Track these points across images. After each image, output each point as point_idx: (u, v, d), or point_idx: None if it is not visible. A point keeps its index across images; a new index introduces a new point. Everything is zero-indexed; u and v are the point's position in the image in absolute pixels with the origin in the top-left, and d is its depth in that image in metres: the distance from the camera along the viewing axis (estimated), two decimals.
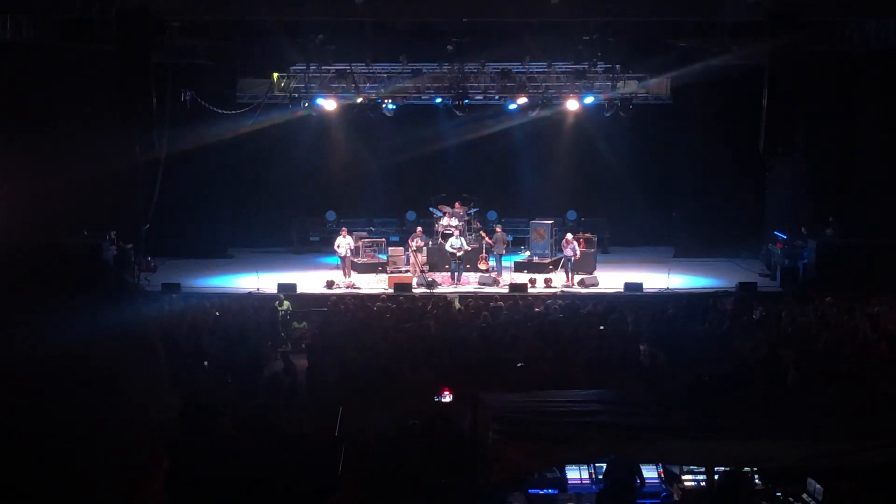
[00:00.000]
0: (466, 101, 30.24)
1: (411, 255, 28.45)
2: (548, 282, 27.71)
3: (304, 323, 22.72)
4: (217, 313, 21.98)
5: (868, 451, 9.64)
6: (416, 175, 33.13)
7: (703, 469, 10.69)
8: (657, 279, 27.57)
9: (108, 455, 1.48)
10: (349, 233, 28.49)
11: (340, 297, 24.90)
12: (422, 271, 28.29)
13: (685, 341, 18.56)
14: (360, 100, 30.51)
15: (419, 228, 29.35)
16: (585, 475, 11.05)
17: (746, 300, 23.62)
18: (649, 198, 33.64)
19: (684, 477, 10.90)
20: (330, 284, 27.23)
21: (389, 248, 29.94)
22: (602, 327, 19.56)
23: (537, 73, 30.50)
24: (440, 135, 32.19)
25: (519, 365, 16.03)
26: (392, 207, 34.19)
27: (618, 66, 30.18)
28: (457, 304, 23.37)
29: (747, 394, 13.17)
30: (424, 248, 28.73)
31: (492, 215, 33.00)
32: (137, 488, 1.53)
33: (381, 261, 29.72)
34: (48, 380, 1.40)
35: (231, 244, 32.95)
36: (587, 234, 29.51)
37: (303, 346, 20.92)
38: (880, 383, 14.81)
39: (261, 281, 26.66)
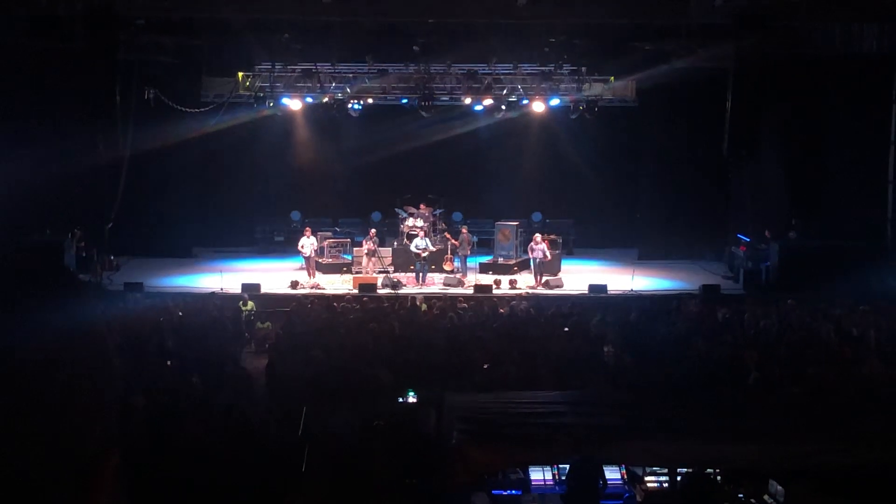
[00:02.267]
0: (432, 101, 30.23)
1: (364, 257, 28.48)
2: (513, 283, 27.75)
3: (268, 323, 22.64)
4: (180, 313, 21.88)
5: (829, 452, 9.71)
6: (382, 175, 33.07)
7: (665, 470, 10.72)
8: (622, 281, 27.66)
9: (56, 450, 1.47)
10: (313, 233, 28.44)
11: (305, 297, 24.84)
12: (386, 272, 28.32)
13: (649, 343, 18.61)
14: (325, 99, 30.47)
15: (373, 231, 29.36)
16: (549, 476, 11.06)
17: (710, 302, 23.74)
18: (614, 200, 33.76)
19: (647, 478, 10.93)
20: (294, 285, 27.17)
21: (354, 249, 29.88)
22: (567, 329, 19.60)
23: (503, 74, 30.55)
24: (406, 135, 32.08)
25: (485, 366, 16.05)
26: (357, 208, 34.11)
27: (583, 68, 30.28)
28: (422, 306, 23.36)
29: (710, 395, 13.23)
30: (376, 252, 28.76)
31: (457, 216, 33.00)
32: (87, 483, 1.51)
33: (345, 261, 29.66)
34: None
35: (195, 244, 32.78)
36: (552, 236, 29.54)
37: (267, 346, 20.88)
38: (842, 385, 14.90)
39: (224, 281, 26.54)
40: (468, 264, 29.11)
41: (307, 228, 28.74)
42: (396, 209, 30.62)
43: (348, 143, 33.21)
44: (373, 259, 28.56)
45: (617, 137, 33.30)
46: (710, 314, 21.88)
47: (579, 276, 28.64)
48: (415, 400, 13.65)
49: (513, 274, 28.74)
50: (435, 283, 28.04)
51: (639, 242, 33.41)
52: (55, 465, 1.48)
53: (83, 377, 1.52)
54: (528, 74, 30.48)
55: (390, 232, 31.69)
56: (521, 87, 30.75)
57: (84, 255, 27.91)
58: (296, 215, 33.63)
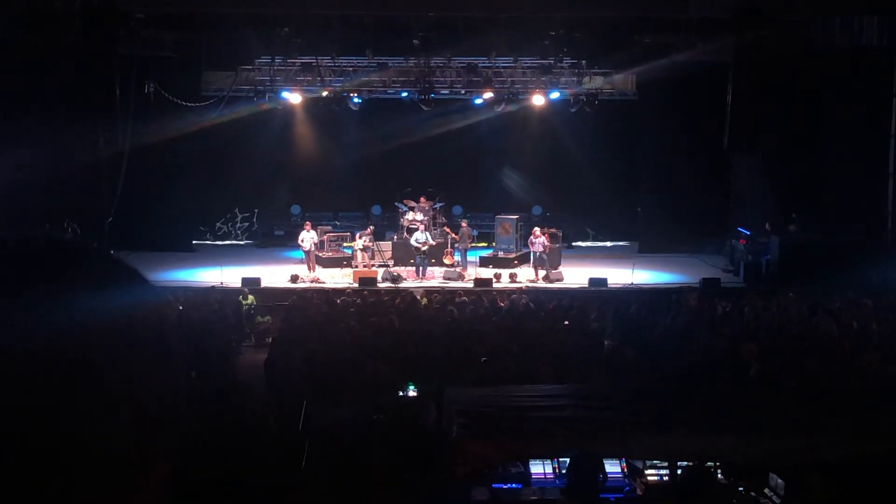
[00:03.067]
0: (432, 95, 30.23)
1: (359, 252, 28.45)
2: (513, 277, 27.76)
3: (268, 317, 22.64)
4: (181, 307, 21.87)
5: (830, 446, 9.70)
6: (382, 169, 33.12)
7: (665, 464, 10.71)
8: (622, 274, 27.64)
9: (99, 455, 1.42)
10: (313, 227, 28.45)
11: (305, 291, 24.85)
12: (386, 266, 28.35)
13: (649, 336, 18.62)
14: (325, 93, 30.48)
15: (371, 227, 29.35)
16: (549, 470, 11.03)
17: (710, 295, 23.73)
18: (614, 193, 33.78)
19: (647, 472, 10.91)
20: (294, 279, 27.17)
21: (353, 243, 29.91)
22: (567, 322, 19.60)
23: (503, 67, 30.56)
24: (406, 129, 32.13)
25: (483, 360, 16.03)
26: (357, 202, 34.18)
27: (584, 61, 30.27)
28: (423, 300, 23.35)
29: (710, 388, 13.23)
30: (371, 247, 28.83)
31: (457, 210, 33.02)
32: (133, 490, 1.46)
33: (345, 255, 29.66)
34: (36, 372, 1.34)
35: (195, 238, 32.80)
36: (552, 229, 29.53)
37: (267, 340, 20.89)
38: (842, 378, 14.90)
39: (224, 275, 26.55)
40: (468, 258, 29.16)
41: (307, 222, 28.74)
42: (396, 203, 30.63)
43: (348, 137, 33.31)
44: (367, 254, 28.57)
45: (617, 131, 33.38)
46: (710, 307, 21.87)
47: (579, 270, 28.64)
48: (415, 394, 13.65)
49: (513, 268, 28.75)
50: (435, 277, 28.04)
51: (639, 236, 33.42)
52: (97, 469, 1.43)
53: (135, 375, 1.46)
54: (528, 68, 30.48)
55: (390, 226, 31.74)
56: (521, 81, 30.76)
57: None
58: (296, 209, 33.69)
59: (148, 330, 1.44)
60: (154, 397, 1.41)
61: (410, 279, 27.66)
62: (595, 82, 31.02)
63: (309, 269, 27.88)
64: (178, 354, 1.49)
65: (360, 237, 28.72)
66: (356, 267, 28.44)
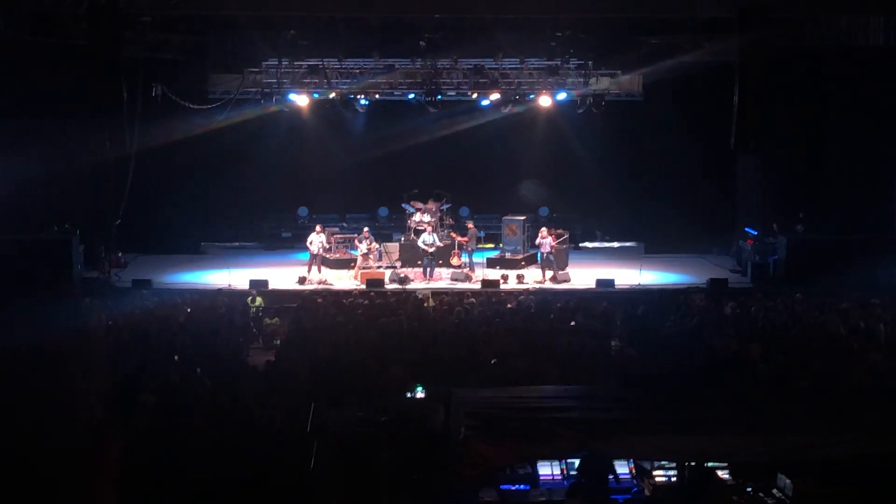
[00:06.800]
0: (439, 96, 30.27)
1: (360, 258, 28.32)
2: (520, 278, 27.75)
3: (277, 319, 22.67)
4: (189, 309, 21.90)
5: (837, 445, 9.70)
6: (389, 171, 33.10)
7: (673, 464, 10.72)
8: (629, 275, 27.63)
9: (50, 435, 1.46)
10: (323, 229, 28.45)
11: (313, 293, 24.85)
12: (393, 267, 28.37)
13: (656, 337, 18.61)
14: (332, 95, 30.49)
15: (366, 229, 29.18)
16: (557, 471, 11.05)
17: (717, 296, 23.72)
18: (621, 194, 33.74)
19: (655, 472, 10.92)
20: (302, 280, 27.19)
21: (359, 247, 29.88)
22: (573, 323, 19.59)
23: (510, 69, 30.55)
24: (413, 130, 32.16)
25: (492, 361, 16.03)
26: (364, 203, 34.15)
27: (590, 62, 30.26)
28: (430, 301, 23.35)
29: (718, 389, 13.22)
30: (379, 251, 28.87)
31: (464, 211, 33.01)
32: (86, 470, 1.50)
33: (353, 257, 29.64)
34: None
35: (203, 240, 32.82)
36: (559, 230, 29.48)
37: (275, 342, 20.91)
38: (849, 378, 14.90)
39: (233, 277, 26.58)
40: (474, 259, 29.14)
41: (317, 224, 28.75)
42: (403, 204, 30.63)
43: (355, 139, 33.30)
44: (369, 258, 28.46)
45: (624, 132, 33.31)
46: (717, 308, 21.85)
47: (587, 271, 28.62)
48: (422, 395, 13.65)
49: (520, 269, 28.73)
50: (442, 279, 28.04)
51: (646, 236, 33.38)
52: (49, 449, 1.47)
53: (75, 370, 1.50)
54: (535, 69, 30.48)
55: (398, 227, 31.73)
56: (528, 82, 30.75)
57: (90, 251, 27.90)
58: (303, 211, 33.72)
59: (87, 336, 1.48)
60: (72, 406, 1.45)
61: (418, 281, 27.66)
62: (601, 83, 31.06)
63: (308, 270, 27.80)
64: (101, 369, 1.54)
65: (361, 241, 28.47)
66: (353, 269, 28.30)
